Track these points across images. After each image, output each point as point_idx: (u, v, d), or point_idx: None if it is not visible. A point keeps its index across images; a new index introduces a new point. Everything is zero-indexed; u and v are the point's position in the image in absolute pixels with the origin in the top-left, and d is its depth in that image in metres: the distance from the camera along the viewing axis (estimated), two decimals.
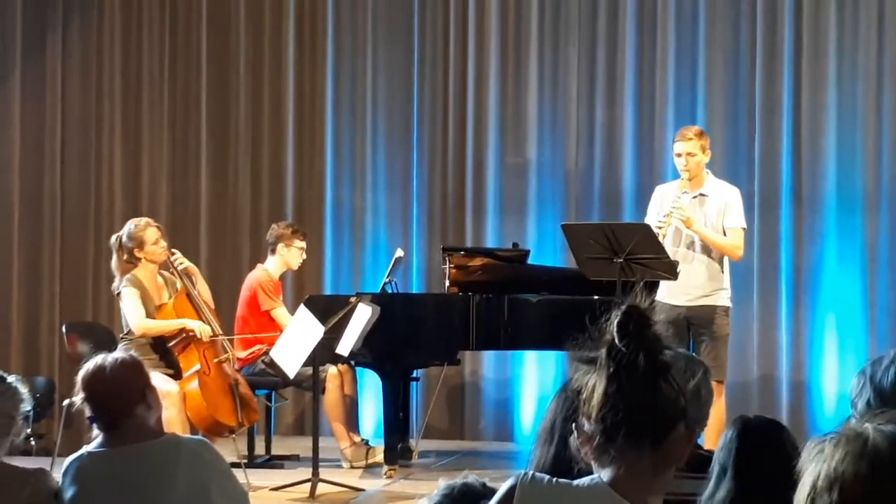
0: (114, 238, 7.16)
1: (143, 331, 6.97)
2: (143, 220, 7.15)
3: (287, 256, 7.70)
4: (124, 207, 9.37)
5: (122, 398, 3.31)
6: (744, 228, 7.05)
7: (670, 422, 1.96)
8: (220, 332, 7.17)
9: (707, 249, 6.95)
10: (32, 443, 8.19)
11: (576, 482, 2.00)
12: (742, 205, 7.07)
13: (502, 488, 2.05)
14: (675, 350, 3.17)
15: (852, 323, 8.29)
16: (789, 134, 8.49)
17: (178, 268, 7.16)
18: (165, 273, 7.22)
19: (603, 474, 1.98)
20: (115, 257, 7.10)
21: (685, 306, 6.89)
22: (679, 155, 7.00)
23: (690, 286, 6.85)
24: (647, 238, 6.56)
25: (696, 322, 6.91)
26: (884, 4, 8.38)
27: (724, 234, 6.98)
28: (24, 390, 3.36)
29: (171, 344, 7.04)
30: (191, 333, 6.98)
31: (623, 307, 1.95)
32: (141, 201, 9.38)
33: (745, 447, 2.63)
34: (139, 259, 7.04)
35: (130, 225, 7.13)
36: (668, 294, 6.87)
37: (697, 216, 6.92)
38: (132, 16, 9.49)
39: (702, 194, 7.01)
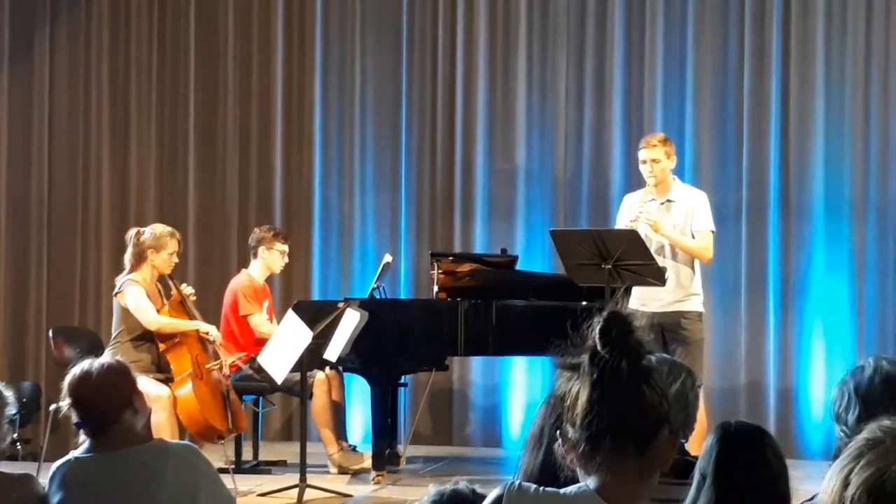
0: (134, 231, 7.18)
1: (158, 327, 6.99)
2: (170, 229, 7.21)
3: (268, 260, 7.70)
4: (111, 211, 9.37)
5: (108, 403, 3.30)
6: (712, 231, 7.06)
7: (654, 427, 1.96)
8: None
9: (676, 255, 6.96)
10: (19, 448, 8.17)
11: (563, 490, 2.00)
12: (710, 208, 7.09)
13: (489, 498, 2.04)
14: (660, 355, 3.18)
15: (840, 329, 8.30)
16: (777, 140, 8.50)
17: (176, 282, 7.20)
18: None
19: (589, 482, 1.98)
20: (129, 249, 7.11)
21: (658, 312, 6.89)
22: (644, 162, 7.04)
23: (661, 292, 6.84)
24: (636, 244, 6.57)
25: (669, 328, 6.92)
26: (871, 11, 8.41)
27: (693, 237, 7.00)
28: (8, 394, 3.35)
29: (164, 348, 7.05)
30: (205, 335, 7.03)
31: (605, 313, 1.95)
32: (129, 204, 9.38)
33: (725, 454, 2.63)
34: (146, 260, 7.06)
35: (157, 227, 7.19)
36: (640, 301, 6.88)
37: (665, 222, 6.94)
38: (120, 16, 9.48)
39: (669, 200, 7.03)
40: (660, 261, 6.88)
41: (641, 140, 7.24)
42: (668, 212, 7.01)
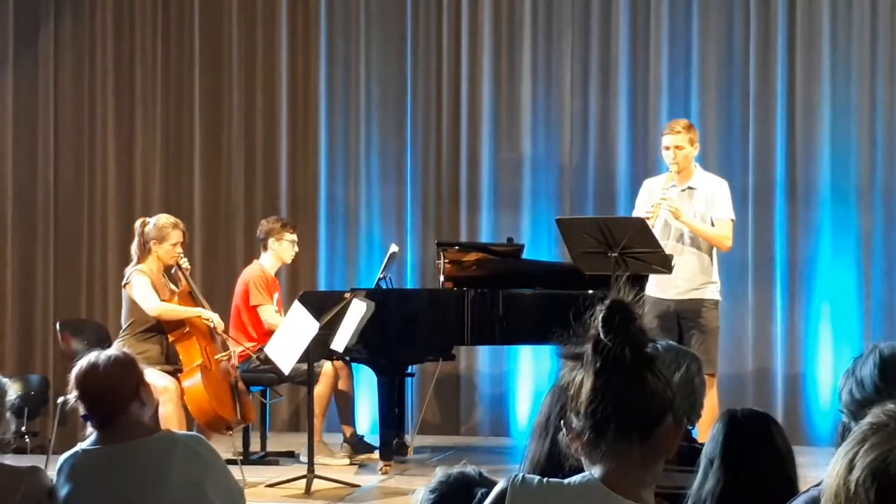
0: (139, 221, 7.19)
1: (160, 313, 6.99)
2: (174, 220, 7.20)
3: (279, 251, 7.71)
4: (117, 204, 9.37)
5: (115, 395, 3.31)
6: (732, 220, 7.05)
7: (658, 414, 1.96)
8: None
9: (696, 243, 6.95)
10: (27, 441, 8.19)
11: (567, 480, 2.00)
12: (730, 196, 7.07)
13: (494, 491, 2.04)
14: (667, 343, 3.18)
15: (847, 315, 8.29)
16: (783, 126, 8.49)
17: (183, 266, 7.18)
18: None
19: (594, 470, 1.98)
20: (135, 240, 7.14)
21: (674, 300, 6.89)
22: (667, 148, 7.01)
23: (679, 279, 6.84)
24: (642, 232, 6.56)
25: (686, 315, 6.91)
26: None
27: (713, 225, 6.98)
28: (5, 381, 3.34)
29: (173, 338, 7.06)
30: (207, 322, 7.03)
31: (607, 301, 1.96)
32: (134, 197, 9.38)
33: (731, 438, 2.65)
34: (150, 251, 7.08)
35: (162, 217, 7.20)
36: (658, 288, 6.88)
37: (686, 209, 6.92)
38: (124, 10, 9.47)
39: (690, 187, 7.01)
40: (679, 248, 6.88)
41: (665, 126, 7.22)
42: (690, 199, 6.99)
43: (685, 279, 6.89)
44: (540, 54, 8.92)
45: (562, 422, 2.00)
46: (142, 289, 7.01)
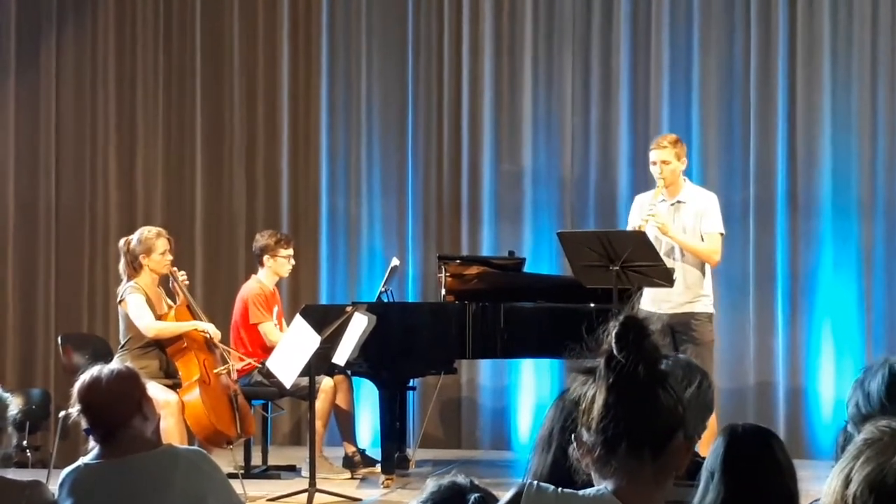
0: (123, 241, 7.20)
1: (156, 332, 6.98)
2: (156, 230, 7.21)
3: (275, 267, 7.68)
4: (119, 216, 9.38)
5: (118, 410, 3.30)
6: (721, 234, 7.05)
7: (670, 431, 1.96)
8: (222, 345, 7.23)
9: (687, 257, 6.96)
10: (28, 455, 8.18)
11: (581, 492, 2.00)
12: (720, 210, 7.07)
13: (506, 496, 2.04)
14: (676, 357, 3.18)
15: (849, 328, 8.29)
16: (784, 139, 8.49)
17: (180, 279, 7.18)
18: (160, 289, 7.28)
19: (607, 485, 1.98)
20: (122, 259, 7.14)
21: (667, 314, 6.88)
22: (654, 163, 7.02)
23: (672, 293, 6.84)
24: (643, 246, 6.56)
25: (679, 329, 6.91)
26: (877, 9, 8.40)
27: (703, 239, 6.99)
28: (7, 395, 3.34)
29: (171, 353, 7.05)
30: (203, 333, 7.01)
31: (621, 317, 1.95)
32: (136, 211, 9.38)
33: (732, 452, 2.65)
34: (142, 266, 7.07)
35: (143, 231, 7.20)
36: (651, 302, 6.87)
37: (675, 223, 6.93)
38: (126, 23, 9.49)
39: (679, 201, 7.02)
40: (669, 262, 6.87)
41: (652, 141, 7.24)
42: (678, 213, 7.00)
43: (677, 293, 6.88)
44: (541, 67, 8.93)
45: (572, 436, 2.00)
46: (137, 307, 6.99)
